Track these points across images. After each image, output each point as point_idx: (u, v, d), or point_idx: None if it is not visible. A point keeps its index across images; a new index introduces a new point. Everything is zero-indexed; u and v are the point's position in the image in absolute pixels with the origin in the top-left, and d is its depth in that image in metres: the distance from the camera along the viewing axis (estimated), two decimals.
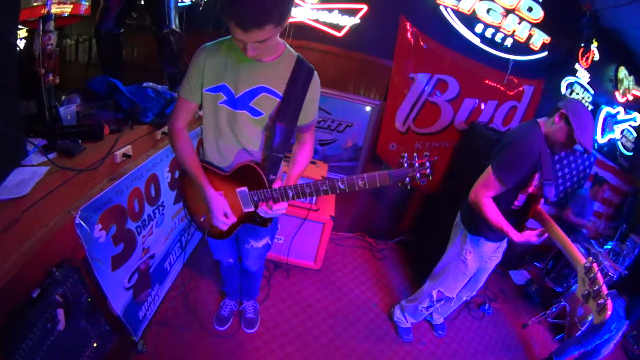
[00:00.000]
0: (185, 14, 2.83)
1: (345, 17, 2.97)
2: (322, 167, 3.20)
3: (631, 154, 5.81)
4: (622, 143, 5.52)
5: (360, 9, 2.95)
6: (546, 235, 1.91)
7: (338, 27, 2.99)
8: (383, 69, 3.26)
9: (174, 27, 2.36)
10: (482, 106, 3.58)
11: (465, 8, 3.19)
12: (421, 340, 2.97)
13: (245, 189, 1.50)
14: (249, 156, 1.53)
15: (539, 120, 2.05)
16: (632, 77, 5.09)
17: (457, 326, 3.31)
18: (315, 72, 1.48)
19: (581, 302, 3.13)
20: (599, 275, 1.52)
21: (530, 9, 3.31)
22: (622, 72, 4.92)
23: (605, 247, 4.60)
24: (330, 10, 2.94)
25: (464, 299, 2.80)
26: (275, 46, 1.37)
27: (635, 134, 5.66)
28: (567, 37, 3.70)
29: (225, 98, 1.41)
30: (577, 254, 1.72)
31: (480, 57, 3.40)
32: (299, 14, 2.93)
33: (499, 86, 3.55)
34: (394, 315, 3.00)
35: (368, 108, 3.36)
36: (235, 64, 1.36)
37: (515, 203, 2.12)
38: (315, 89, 1.48)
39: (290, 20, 2.96)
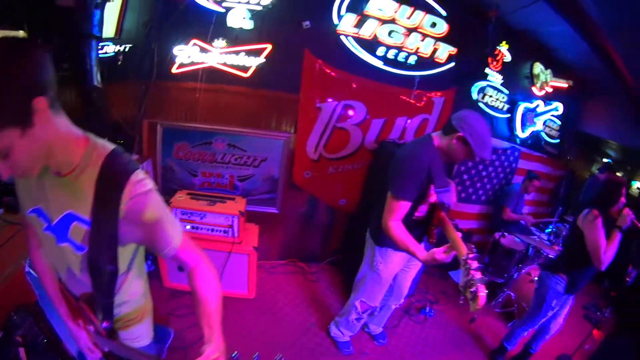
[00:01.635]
0: (109, 64, 3.03)
1: (251, 58, 3.25)
2: (240, 202, 3.41)
3: (558, 141, 6.56)
4: (546, 133, 6.22)
5: (265, 49, 3.25)
6: (454, 253, 1.94)
7: (245, 68, 3.27)
8: (291, 103, 3.58)
9: (95, 83, 2.49)
10: (393, 124, 3.96)
11: (366, 34, 3.53)
12: (363, 351, 3.20)
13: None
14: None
15: (433, 134, 2.26)
16: (549, 71, 5.78)
17: (399, 333, 3.59)
18: (137, 174, 1.02)
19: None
20: (473, 264, 1.68)
21: (433, 25, 3.68)
22: (538, 67, 5.59)
23: (547, 230, 5.14)
24: (237, 52, 3.22)
25: (393, 307, 3.07)
26: (69, 152, 0.96)
27: (559, 122, 6.39)
28: (474, 45, 4.14)
29: (45, 224, 1.07)
30: (462, 249, 1.83)
31: (385, 78, 3.75)
32: (209, 59, 3.20)
33: (406, 103, 3.93)
34: (330, 331, 3.22)
35: (280, 141, 3.66)
36: (38, 180, 1.01)
37: (416, 214, 2.32)
38: (130, 199, 0.99)
39: (202, 65, 3.34)
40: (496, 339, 3.68)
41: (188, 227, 3.19)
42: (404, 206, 2.19)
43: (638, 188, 11.63)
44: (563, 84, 6.11)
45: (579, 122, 7.34)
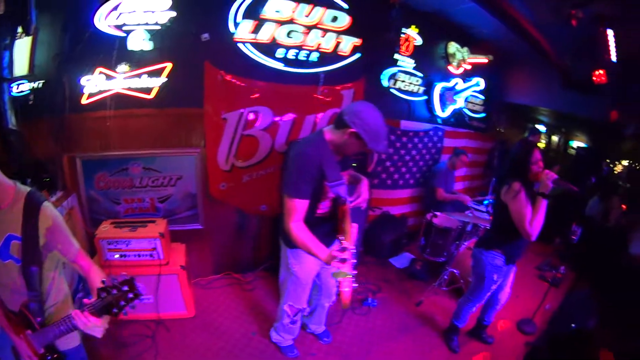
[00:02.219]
0: (24, 103, 3.12)
1: (153, 79, 3.36)
2: (160, 223, 3.51)
3: (483, 115, 7.18)
4: (469, 109, 6.78)
5: (164, 68, 3.36)
6: (353, 249, 2.13)
7: (148, 90, 3.39)
8: (199, 117, 3.74)
9: (10, 126, 2.60)
10: (302, 123, 4.18)
11: (264, 38, 3.67)
12: (310, 352, 3.33)
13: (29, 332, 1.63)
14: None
15: (325, 128, 2.37)
16: (465, 49, 6.30)
17: (343, 328, 3.72)
18: (45, 204, 1.63)
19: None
20: (341, 257, 1.85)
21: (335, 19, 3.83)
22: (453, 46, 6.08)
23: (485, 202, 5.57)
24: (139, 75, 3.33)
25: (327, 305, 3.21)
26: (4, 190, 1.55)
27: (482, 97, 6.98)
28: (380, 33, 4.47)
29: None
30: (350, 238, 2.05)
31: (288, 79, 3.92)
32: (115, 86, 3.30)
33: (314, 100, 4.13)
34: (272, 337, 3.33)
35: (192, 157, 3.80)
36: None
37: (318, 211, 2.44)
38: (45, 220, 1.61)
39: (109, 93, 3.43)
40: (447, 317, 3.83)
41: (116, 256, 3.30)
42: (301, 205, 2.27)
43: (574, 148, 13.13)
44: (482, 59, 6.68)
45: (505, 93, 8.10)
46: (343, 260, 1.92)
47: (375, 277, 4.82)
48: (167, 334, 3.53)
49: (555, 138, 13.64)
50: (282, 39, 3.78)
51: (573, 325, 4.06)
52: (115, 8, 3.15)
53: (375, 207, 5.44)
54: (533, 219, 2.79)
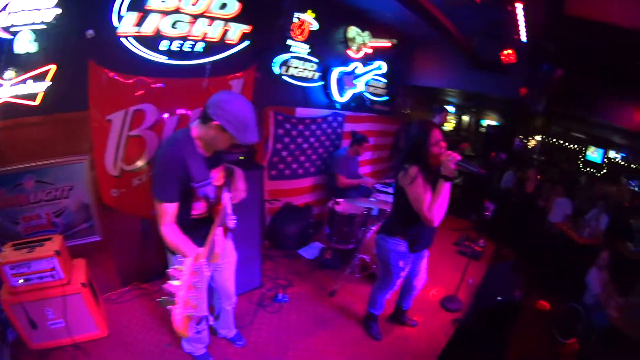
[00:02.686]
0: None
1: (38, 83, 3.33)
2: (56, 240, 3.46)
3: (386, 98, 8.06)
4: (371, 92, 7.58)
5: (49, 70, 3.34)
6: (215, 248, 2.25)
7: (33, 96, 3.35)
8: (86, 121, 3.74)
9: None
10: (189, 118, 4.31)
11: (148, 31, 3.73)
12: (225, 357, 3.54)
13: None
14: None
15: (192, 124, 2.42)
16: (367, 33, 6.96)
17: (256, 328, 3.95)
18: None
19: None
20: (176, 278, 1.70)
21: (223, 6, 4.03)
22: (353, 31, 6.68)
23: (392, 185, 6.21)
24: (24, 81, 3.28)
25: (229, 308, 3.41)
26: None
27: (385, 80, 7.84)
28: (270, 19, 4.77)
29: None
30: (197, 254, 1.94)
31: (173, 73, 4.04)
32: (2, 94, 3.23)
33: (200, 93, 4.23)
34: (184, 348, 3.47)
35: (82, 164, 3.80)
36: None
37: (193, 213, 2.54)
38: None
39: None
40: (364, 305, 4.10)
41: (20, 281, 3.25)
42: (170, 208, 2.32)
43: (485, 126, 14.57)
44: (385, 43, 7.41)
45: (411, 76, 8.97)
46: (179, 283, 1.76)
47: (285, 270, 5.17)
48: (85, 357, 3.53)
49: (466, 118, 15.08)
50: (166, 30, 3.88)
51: (499, 297, 4.50)
52: (4, 8, 3.14)
53: (274, 199, 5.84)
54: (433, 204, 2.91)
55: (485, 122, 15.15)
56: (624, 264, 7.04)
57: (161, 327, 3.93)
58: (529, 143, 17.29)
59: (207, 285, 3.04)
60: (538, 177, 8.96)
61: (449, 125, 13.88)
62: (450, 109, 13.57)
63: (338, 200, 5.23)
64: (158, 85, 4.06)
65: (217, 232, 2.28)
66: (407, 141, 3.19)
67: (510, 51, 6.61)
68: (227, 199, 2.76)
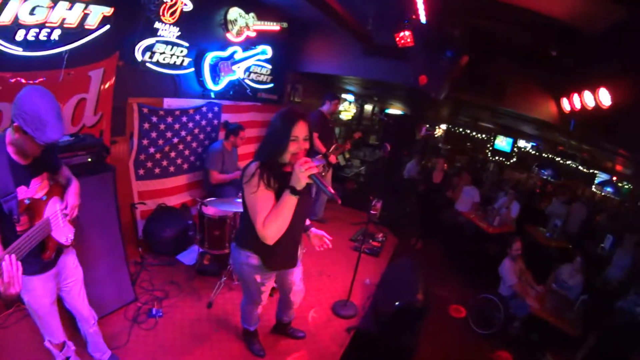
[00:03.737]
0: None
1: None
2: None
3: (271, 85, 8.52)
4: (254, 79, 7.99)
5: None
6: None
7: None
8: None
9: None
10: None
11: (6, 20, 3.74)
12: None
13: None
14: None
15: (8, 129, 2.43)
16: (251, 15, 7.34)
17: (132, 349, 4.02)
18: None
19: None
20: None
21: None
22: (235, 12, 7.00)
23: None
24: None
25: (91, 330, 3.50)
26: None
27: (270, 66, 8.29)
28: (133, 0, 4.89)
29: None
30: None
31: (28, 66, 4.05)
32: None
33: (55, 87, 4.18)
34: None
35: None
36: None
37: (18, 229, 2.53)
38: None
39: None
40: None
41: None
42: None
43: (388, 115, 15.42)
44: (273, 27, 7.82)
45: (303, 62, 9.42)
46: None
47: (163, 280, 5.28)
48: None
49: (369, 107, 15.87)
50: (24, 18, 3.90)
51: (397, 303, 4.83)
52: None
53: (140, 202, 5.94)
54: (270, 217, 2.70)
55: (390, 111, 15.98)
56: (538, 251, 8.30)
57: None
58: (435, 132, 18.53)
59: (55, 307, 3.11)
60: (445, 166, 9.81)
61: (346, 115, 14.60)
62: (350, 97, 14.15)
63: (206, 201, 5.31)
64: (11, 81, 4.02)
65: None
66: (266, 133, 2.98)
67: (407, 33, 6.78)
68: (54, 212, 2.81)
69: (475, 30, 6.60)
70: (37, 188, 2.67)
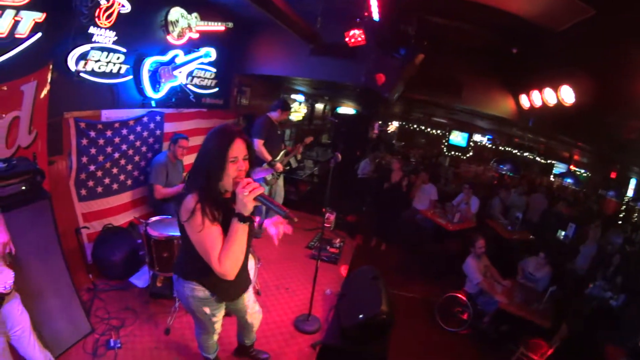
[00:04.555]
0: None
1: None
2: None
3: (216, 89, 8.37)
4: (197, 84, 7.79)
5: None
6: None
7: None
8: None
9: None
10: None
11: None
12: None
13: None
14: None
15: None
16: (195, 15, 7.12)
17: None
18: None
19: None
20: None
21: None
22: (177, 12, 6.75)
23: None
24: None
25: None
26: None
27: (214, 70, 8.11)
28: (67, 3, 4.65)
29: None
30: None
31: None
32: None
33: None
34: None
35: None
36: None
37: None
38: None
39: None
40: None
41: None
42: None
43: (333, 116, 15.50)
44: (218, 27, 7.60)
45: (250, 64, 9.32)
46: None
47: (118, 307, 5.16)
48: None
49: (320, 106, 15.87)
50: None
51: (360, 316, 4.89)
52: None
53: (83, 226, 5.72)
54: (224, 252, 2.55)
55: (341, 110, 16.05)
56: (501, 244, 8.58)
57: None
58: (388, 128, 18.76)
59: (7, 355, 3.13)
60: (400, 165, 9.89)
61: (297, 116, 14.54)
62: (300, 97, 14.11)
63: (149, 222, 5.15)
64: None
65: None
66: (198, 155, 2.73)
67: (357, 31, 6.88)
68: None
69: (431, 27, 6.77)
70: None
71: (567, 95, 5.96)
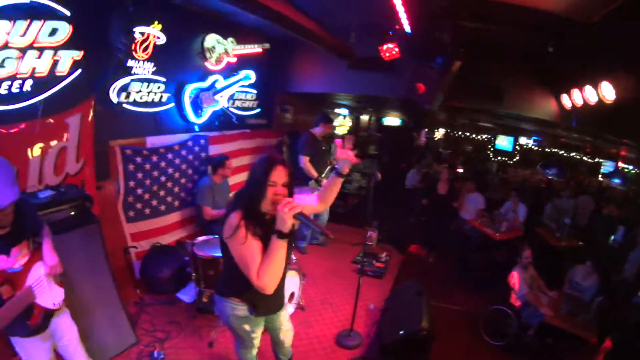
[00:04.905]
0: None
1: None
2: None
3: (258, 110, 8.70)
4: (238, 107, 8.10)
5: None
6: None
7: None
8: None
9: None
10: (27, 172, 4.38)
11: None
12: None
13: None
14: None
15: None
16: (230, 39, 7.41)
17: None
18: None
19: None
20: None
21: (53, 32, 4.21)
22: (212, 39, 7.05)
23: None
24: None
25: None
26: None
27: (255, 91, 8.44)
28: (107, 39, 4.94)
29: None
30: None
31: (6, 119, 4.13)
32: None
33: (31, 139, 4.38)
34: None
35: None
36: None
37: (4, 296, 2.65)
38: None
39: None
40: None
41: None
42: None
43: (377, 128, 15.52)
44: (254, 49, 7.87)
45: (290, 82, 9.58)
46: None
47: (163, 320, 5.33)
48: None
49: (365, 117, 16.00)
50: None
51: (401, 332, 4.88)
52: None
53: (131, 246, 6.01)
54: (263, 268, 2.65)
55: (387, 120, 16.11)
56: (549, 255, 8.20)
57: None
58: (435, 135, 18.67)
59: None
60: (448, 175, 9.90)
61: (341, 130, 14.74)
62: (344, 111, 14.24)
63: (196, 242, 5.28)
64: None
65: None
66: (246, 179, 2.96)
67: (391, 45, 6.95)
68: (38, 278, 2.95)
69: (466, 33, 6.59)
70: (17, 257, 2.76)
71: (608, 91, 5.82)
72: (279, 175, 2.73)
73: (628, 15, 4.46)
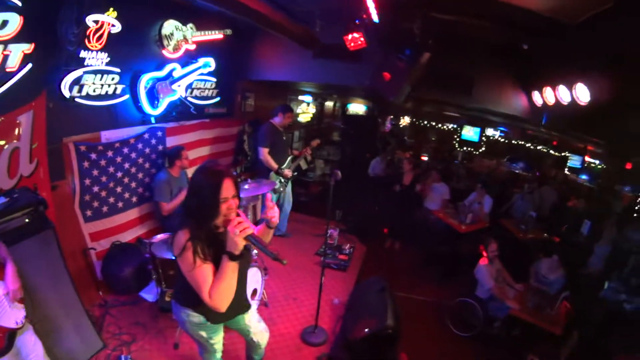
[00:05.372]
0: None
1: None
2: None
3: (218, 98, 8.49)
4: (197, 96, 7.90)
5: None
6: None
7: None
8: None
9: None
10: None
11: None
12: None
13: None
14: None
15: None
16: (190, 26, 7.14)
17: None
18: None
19: None
20: None
21: (4, 24, 3.95)
22: (171, 25, 6.76)
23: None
24: None
25: None
26: None
27: (214, 79, 8.23)
28: (58, 29, 4.64)
29: None
30: None
31: None
32: None
33: None
34: None
35: None
36: None
37: None
38: None
39: None
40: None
41: None
42: None
43: (340, 116, 15.52)
44: (216, 35, 7.66)
45: (252, 70, 9.43)
46: None
47: (128, 322, 5.37)
48: None
49: (329, 103, 15.94)
50: None
51: (366, 329, 4.95)
52: None
53: (90, 247, 5.86)
54: (214, 288, 2.68)
55: (352, 107, 16.10)
56: (515, 248, 8.44)
57: None
58: (400, 122, 18.74)
59: None
60: (411, 167, 9.93)
61: (305, 117, 14.65)
62: (307, 98, 14.15)
63: (153, 241, 5.28)
64: None
65: None
66: (188, 193, 2.92)
67: (357, 35, 6.70)
68: None
69: (438, 25, 6.54)
70: None
71: (582, 93, 5.89)
72: (228, 188, 2.71)
73: (615, 16, 4.47)
